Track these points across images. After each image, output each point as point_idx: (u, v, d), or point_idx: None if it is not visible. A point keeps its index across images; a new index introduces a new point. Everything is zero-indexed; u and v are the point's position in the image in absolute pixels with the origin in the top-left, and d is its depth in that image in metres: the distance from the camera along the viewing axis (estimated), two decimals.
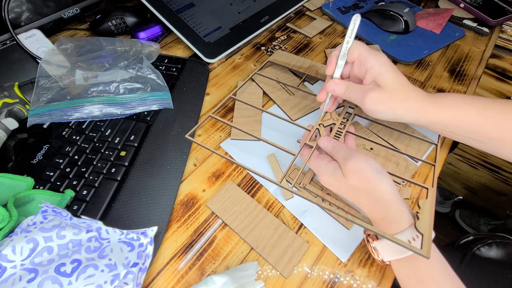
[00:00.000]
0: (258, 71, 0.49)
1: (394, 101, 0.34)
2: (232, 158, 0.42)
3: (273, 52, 0.56)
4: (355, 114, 0.42)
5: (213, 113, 0.42)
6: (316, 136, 0.39)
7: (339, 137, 0.38)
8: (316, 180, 0.38)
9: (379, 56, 0.35)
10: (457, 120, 0.34)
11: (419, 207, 0.30)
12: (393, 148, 0.38)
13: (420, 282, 0.28)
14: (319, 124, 0.39)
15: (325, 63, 0.52)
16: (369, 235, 0.32)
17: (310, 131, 0.38)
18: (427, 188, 0.33)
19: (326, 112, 0.40)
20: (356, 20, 0.34)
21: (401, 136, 0.43)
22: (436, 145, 0.40)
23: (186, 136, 0.39)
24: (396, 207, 0.29)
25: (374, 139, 0.38)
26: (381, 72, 0.34)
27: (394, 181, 0.35)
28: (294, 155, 0.36)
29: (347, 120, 0.40)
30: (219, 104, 0.43)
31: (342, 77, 0.39)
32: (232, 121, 0.46)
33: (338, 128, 0.39)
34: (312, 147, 0.36)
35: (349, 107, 0.43)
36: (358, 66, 0.36)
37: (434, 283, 0.28)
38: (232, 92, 0.45)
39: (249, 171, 0.41)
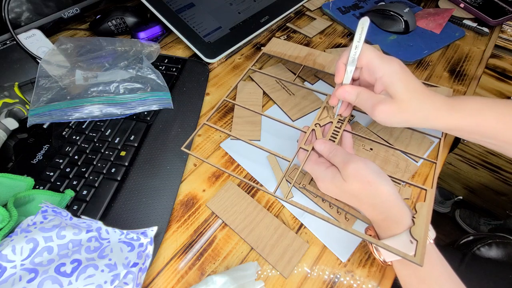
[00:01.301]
0: (252, 66, 0.48)
1: (407, 112, 0.33)
2: (233, 160, 0.42)
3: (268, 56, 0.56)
4: (353, 109, 0.40)
5: (207, 120, 0.41)
6: (312, 138, 0.38)
7: (336, 136, 0.37)
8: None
9: (390, 63, 0.32)
10: (476, 125, 0.33)
11: (416, 211, 0.30)
12: (393, 147, 0.38)
13: (422, 282, 0.28)
14: (315, 124, 0.38)
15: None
16: (370, 235, 0.32)
17: (305, 132, 0.37)
18: (425, 190, 0.33)
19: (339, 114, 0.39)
20: (364, 24, 0.31)
21: (401, 136, 0.43)
22: (440, 139, 0.39)
23: (182, 148, 0.38)
24: (397, 208, 0.29)
25: (373, 139, 0.38)
26: (392, 81, 0.32)
27: (394, 182, 0.35)
28: (289, 161, 0.36)
29: (345, 118, 0.39)
30: (214, 109, 0.43)
31: (352, 79, 0.37)
32: (232, 121, 0.46)
33: (336, 126, 0.38)
34: (307, 151, 0.36)
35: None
36: (368, 74, 0.35)
37: (435, 282, 0.28)
38: (227, 94, 0.44)
39: (251, 166, 0.41)
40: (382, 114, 0.33)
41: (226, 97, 0.44)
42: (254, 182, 0.40)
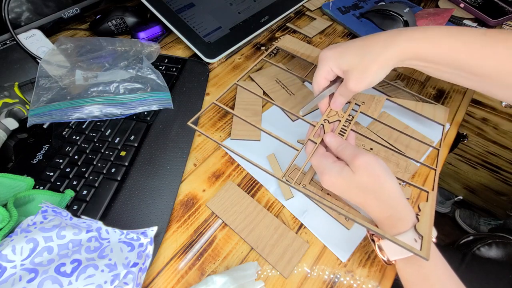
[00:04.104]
0: (265, 56, 0.48)
1: (368, 71, 0.33)
2: (233, 160, 0.42)
3: (273, 52, 0.56)
4: (360, 112, 0.41)
5: (216, 100, 0.41)
6: (320, 132, 0.38)
7: (343, 135, 0.37)
8: (316, 180, 0.38)
9: (323, 53, 0.36)
10: (441, 56, 0.31)
11: (419, 209, 0.30)
12: (393, 148, 0.38)
13: (424, 281, 0.29)
14: (324, 120, 0.38)
15: None
16: (373, 234, 0.32)
17: (314, 126, 0.38)
18: (427, 192, 0.33)
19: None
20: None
21: (401, 136, 0.43)
22: (438, 149, 0.39)
23: (188, 123, 0.38)
24: (402, 205, 0.29)
25: (374, 139, 0.38)
26: (337, 61, 0.35)
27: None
28: (298, 150, 0.36)
29: (352, 117, 0.39)
30: (222, 92, 0.42)
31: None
32: (232, 121, 0.46)
33: (343, 125, 0.38)
34: (316, 143, 0.36)
35: (356, 104, 0.42)
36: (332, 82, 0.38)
37: (438, 281, 0.28)
38: (237, 79, 0.44)
39: (251, 166, 0.41)
40: (355, 86, 0.34)
41: (237, 81, 0.44)
42: (254, 182, 0.40)
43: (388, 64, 0.33)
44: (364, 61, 0.33)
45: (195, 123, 0.39)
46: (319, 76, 0.37)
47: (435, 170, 0.36)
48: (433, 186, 0.34)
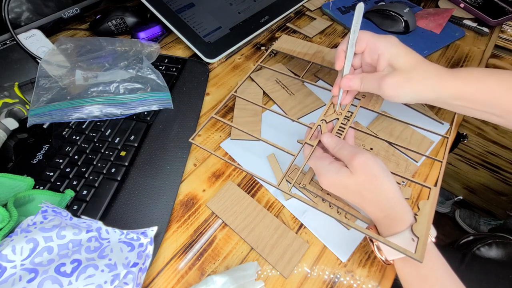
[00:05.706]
0: (261, 62, 0.48)
1: (413, 81, 0.33)
2: (233, 160, 0.42)
3: (273, 53, 0.56)
4: (360, 106, 0.40)
5: (215, 114, 0.41)
6: (318, 134, 0.38)
7: (341, 133, 0.37)
8: (316, 180, 0.38)
9: (388, 39, 0.34)
10: (478, 91, 0.33)
11: (418, 208, 0.30)
12: (395, 145, 0.38)
13: (423, 281, 0.28)
14: (321, 120, 0.38)
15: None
16: None
17: (312, 128, 0.37)
18: (429, 188, 0.32)
19: (341, 104, 0.39)
20: (360, 8, 0.34)
21: (401, 136, 0.43)
22: (447, 138, 0.38)
23: (190, 140, 0.38)
24: (400, 206, 0.29)
25: (373, 140, 0.38)
26: (394, 54, 0.34)
27: (397, 179, 0.35)
28: (294, 155, 0.36)
29: (351, 114, 0.39)
30: (221, 104, 0.43)
31: (354, 67, 0.39)
32: (232, 121, 0.46)
33: (342, 123, 0.38)
34: (313, 146, 0.36)
35: (355, 98, 0.41)
36: (369, 54, 0.36)
37: (437, 281, 0.28)
38: (234, 90, 0.44)
39: (251, 166, 0.41)
40: (390, 87, 0.34)
41: (234, 92, 0.43)
42: (254, 182, 0.40)
43: (431, 95, 0.34)
44: (413, 76, 0.33)
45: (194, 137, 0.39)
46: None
47: (441, 162, 0.36)
48: (437, 180, 0.33)
